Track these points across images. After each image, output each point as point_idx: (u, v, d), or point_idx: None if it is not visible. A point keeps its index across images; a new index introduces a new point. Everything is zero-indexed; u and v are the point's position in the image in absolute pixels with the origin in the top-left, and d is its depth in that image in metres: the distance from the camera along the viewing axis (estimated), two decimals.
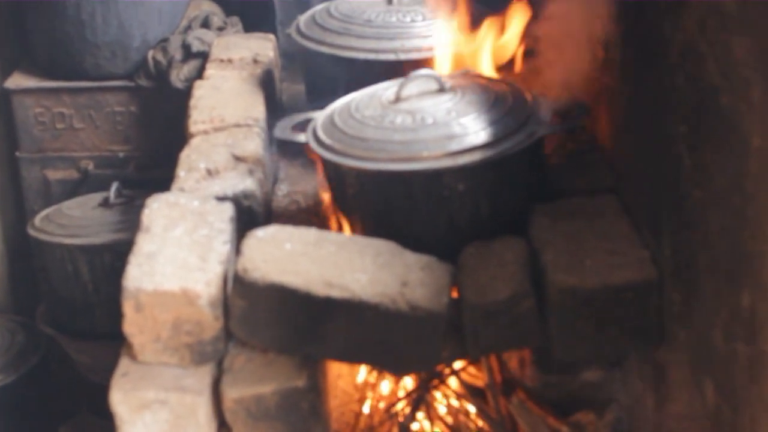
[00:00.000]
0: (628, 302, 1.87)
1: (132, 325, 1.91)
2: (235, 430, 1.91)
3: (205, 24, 3.16)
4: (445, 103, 2.11)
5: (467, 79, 2.22)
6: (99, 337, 2.79)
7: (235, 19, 3.25)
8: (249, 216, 2.18)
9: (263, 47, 2.92)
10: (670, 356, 1.86)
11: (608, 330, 1.88)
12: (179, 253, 1.96)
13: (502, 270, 1.92)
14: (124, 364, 1.95)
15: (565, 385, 2.10)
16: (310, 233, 2.00)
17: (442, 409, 2.27)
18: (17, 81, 3.16)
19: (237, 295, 1.91)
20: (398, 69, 2.38)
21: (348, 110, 2.17)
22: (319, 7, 2.72)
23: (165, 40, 3.09)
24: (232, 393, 1.89)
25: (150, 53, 3.08)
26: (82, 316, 2.82)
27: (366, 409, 2.31)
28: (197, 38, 3.05)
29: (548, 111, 2.11)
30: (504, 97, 2.14)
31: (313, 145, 2.12)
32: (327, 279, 1.87)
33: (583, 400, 2.09)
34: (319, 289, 1.86)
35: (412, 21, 2.55)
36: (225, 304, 1.93)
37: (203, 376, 1.92)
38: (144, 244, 2.00)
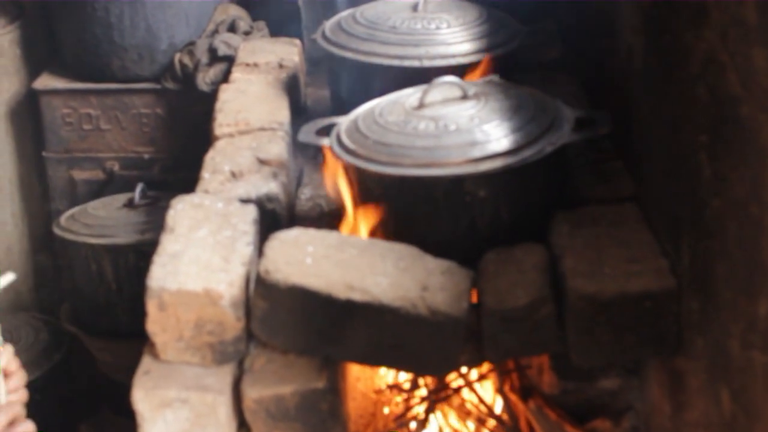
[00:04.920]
0: (646, 310, 1.88)
1: (155, 323, 1.93)
2: (254, 430, 1.94)
3: (232, 28, 3.18)
4: (468, 110, 2.13)
5: (491, 87, 2.24)
6: (121, 336, 2.82)
7: (261, 23, 3.27)
8: (272, 218, 2.20)
9: (289, 52, 2.95)
10: (688, 364, 1.87)
11: (626, 337, 1.90)
12: (203, 254, 1.99)
13: (522, 276, 1.93)
14: (146, 362, 1.97)
15: (583, 391, 2.11)
16: (332, 236, 2.02)
17: (455, 417, 2.29)
18: (45, 82, 3.19)
19: (259, 296, 1.93)
20: (422, 76, 2.39)
21: (372, 116, 2.19)
22: (344, 13, 2.73)
23: (192, 43, 3.11)
24: (252, 393, 1.91)
25: (177, 56, 3.11)
26: (105, 315, 2.84)
27: (381, 412, 2.32)
28: (224, 42, 3.08)
29: (570, 119, 2.13)
30: (527, 105, 2.15)
31: (337, 149, 2.14)
32: (348, 282, 1.89)
33: (601, 407, 2.10)
34: (340, 292, 1.88)
35: (437, 28, 2.56)
36: (247, 305, 1.95)
37: (224, 376, 1.94)
38: (168, 245, 2.02)
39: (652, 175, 2.07)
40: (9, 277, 1.82)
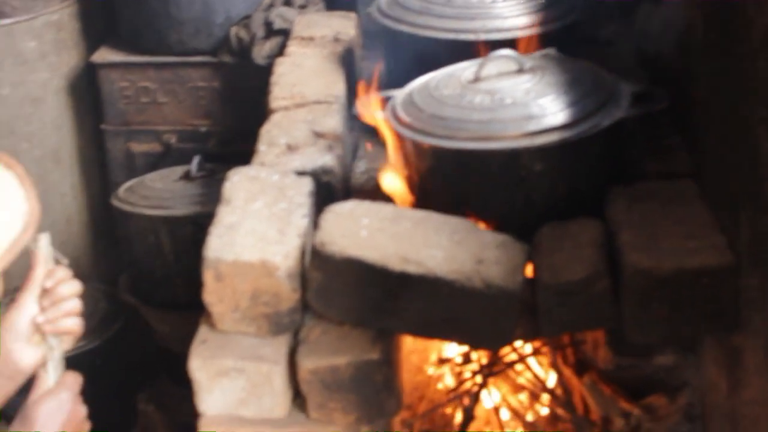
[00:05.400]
0: (703, 286, 1.87)
1: (212, 294, 1.96)
2: (309, 400, 1.96)
3: (288, 2, 3.19)
4: (524, 83, 2.12)
5: (547, 61, 2.23)
6: (178, 306, 2.83)
7: None
8: (327, 191, 2.21)
9: (344, 25, 2.95)
10: (745, 342, 1.86)
11: (683, 313, 1.89)
12: (259, 226, 2.01)
13: (578, 251, 1.93)
14: (203, 332, 2.00)
15: (638, 367, 2.11)
16: (387, 209, 2.03)
17: (507, 392, 2.29)
18: (104, 55, 3.22)
19: (314, 268, 1.94)
20: (478, 49, 2.39)
21: (427, 89, 2.19)
22: None
23: (248, 17, 3.12)
24: (307, 363, 1.93)
25: (233, 30, 3.12)
26: (162, 285, 2.86)
27: (435, 386, 2.34)
28: (279, 16, 3.09)
29: (628, 94, 2.11)
30: (583, 79, 2.14)
31: (393, 122, 2.15)
32: (403, 254, 1.90)
33: (656, 383, 2.10)
34: (395, 264, 1.88)
35: (493, 1, 2.55)
36: (302, 277, 1.97)
37: (280, 346, 1.96)
38: (225, 216, 2.04)
39: (710, 151, 2.05)
40: (45, 238, 1.84)
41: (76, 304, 1.75)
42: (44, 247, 1.73)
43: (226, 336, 1.98)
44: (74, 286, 1.75)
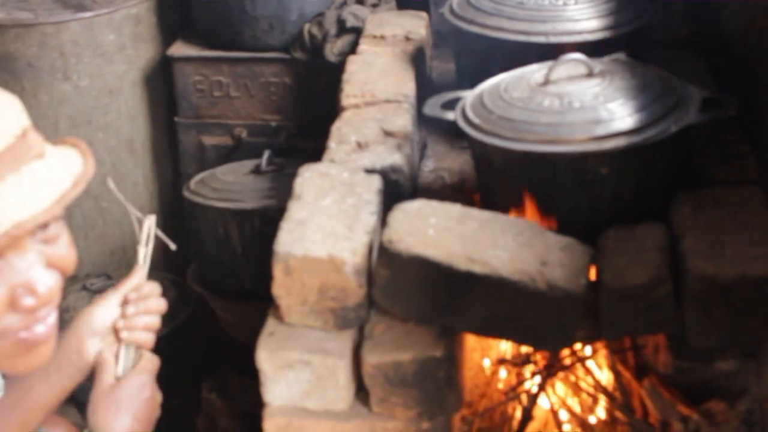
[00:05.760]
0: (766, 294, 1.87)
1: (280, 287, 2.00)
2: (372, 394, 2.00)
3: (360, 0, 3.23)
4: (593, 87, 2.14)
5: (617, 65, 2.25)
6: (244, 297, 2.88)
7: None
8: (395, 189, 2.25)
9: (415, 25, 2.99)
10: None
11: (745, 320, 1.90)
12: (328, 222, 2.05)
13: (642, 255, 1.95)
14: (270, 324, 2.05)
15: (698, 372, 2.11)
16: (454, 209, 2.06)
17: (566, 393, 2.31)
18: (179, 49, 3.29)
19: (381, 265, 1.98)
20: (548, 52, 2.40)
21: (497, 91, 2.22)
22: None
23: (321, 14, 3.17)
24: (371, 358, 1.97)
25: (306, 27, 3.16)
26: (229, 276, 2.90)
27: (495, 384, 2.36)
28: (352, 14, 3.13)
29: (697, 100, 2.12)
30: (652, 84, 2.16)
31: (462, 123, 2.18)
32: (469, 254, 1.93)
33: (716, 389, 2.10)
34: (461, 264, 1.92)
35: (564, 4, 2.56)
36: (369, 273, 2.01)
37: (345, 341, 2.00)
38: (295, 211, 2.09)
39: None
40: (151, 219, 1.91)
41: (156, 321, 1.81)
42: (149, 228, 1.80)
43: (293, 329, 2.02)
44: (160, 303, 1.84)
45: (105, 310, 1.80)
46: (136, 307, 1.80)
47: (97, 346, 1.80)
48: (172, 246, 1.89)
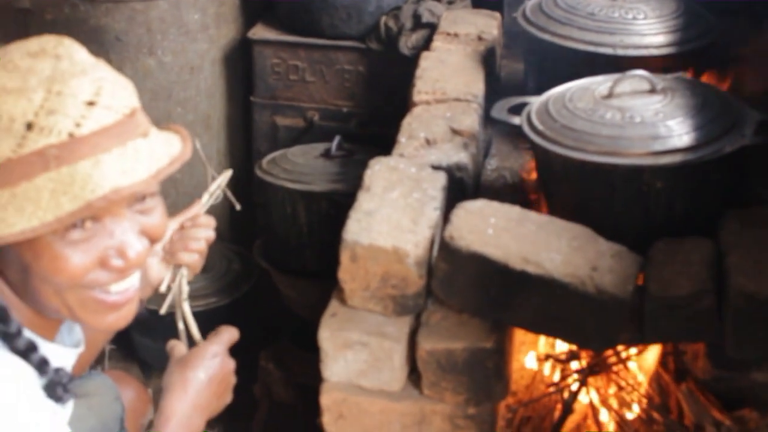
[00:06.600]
0: None
1: (346, 272, 2.12)
2: (424, 378, 2.12)
3: None
4: (654, 104, 2.23)
5: (679, 83, 2.34)
6: (306, 274, 2.99)
7: None
8: (459, 186, 2.36)
9: (488, 24, 3.08)
10: None
11: None
12: (394, 214, 2.17)
13: (688, 267, 2.04)
14: (333, 305, 2.17)
15: (735, 381, 2.20)
16: (513, 211, 2.17)
17: (606, 391, 2.41)
18: (259, 32, 3.41)
19: (441, 259, 2.10)
20: (615, 63, 2.49)
21: (562, 100, 2.32)
22: None
23: (398, 8, 3.26)
24: (426, 344, 2.09)
25: (382, 19, 3.26)
26: (294, 254, 3.01)
27: (541, 378, 2.47)
28: (428, 9, 3.22)
29: (753, 122, 2.21)
30: (711, 104, 2.24)
31: (526, 129, 2.28)
32: (524, 255, 2.04)
33: (750, 397, 2.19)
34: (516, 264, 2.03)
35: (634, 18, 2.65)
36: (429, 265, 2.13)
37: (402, 326, 2.12)
38: (364, 202, 2.21)
39: None
40: (226, 174, 2.05)
41: (203, 246, 1.92)
42: (222, 180, 1.94)
43: (354, 312, 2.14)
44: (208, 232, 1.93)
45: None
46: (183, 232, 1.91)
47: (157, 268, 1.93)
48: (238, 206, 2.01)
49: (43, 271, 1.49)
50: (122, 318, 1.61)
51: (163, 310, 1.94)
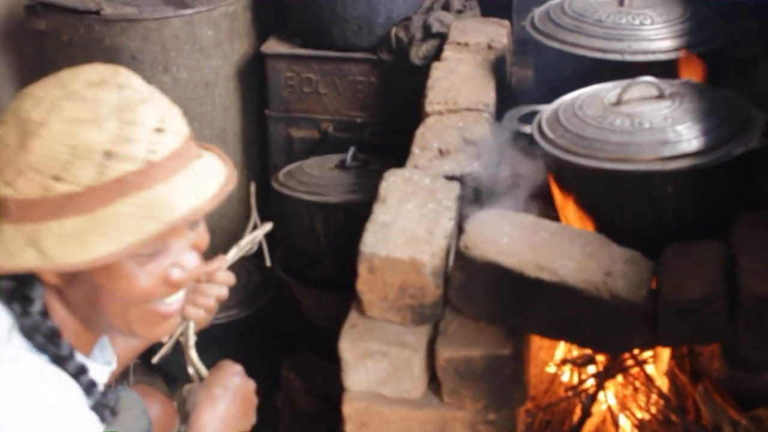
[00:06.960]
0: None
1: (364, 284, 2.16)
2: (443, 385, 2.15)
3: (446, 6, 3.35)
4: (662, 109, 2.27)
5: (686, 87, 2.37)
6: (325, 285, 3.02)
7: (473, 2, 3.44)
8: (473, 195, 2.38)
9: (498, 33, 3.12)
10: None
11: None
12: (410, 225, 2.21)
13: (700, 271, 2.07)
14: (353, 316, 2.21)
15: (750, 381, 2.23)
16: (527, 219, 2.21)
17: (624, 394, 2.44)
18: (272, 46, 3.45)
19: (457, 268, 2.14)
20: (624, 70, 2.52)
21: (572, 108, 2.35)
22: (554, 2, 2.85)
23: (408, 18, 3.30)
24: (445, 352, 2.12)
25: (393, 30, 3.30)
26: (312, 265, 3.05)
27: (558, 382, 2.50)
28: (437, 19, 3.25)
29: (761, 124, 2.24)
30: (719, 107, 2.27)
31: (538, 137, 2.32)
32: (538, 262, 2.07)
33: (765, 397, 2.21)
34: (531, 271, 2.06)
35: (641, 24, 2.67)
36: (445, 275, 2.16)
37: (421, 335, 2.16)
38: (380, 214, 2.25)
39: None
40: (266, 227, 2.10)
41: (209, 302, 1.95)
42: (258, 234, 1.97)
43: (373, 322, 2.18)
44: (222, 290, 1.96)
45: None
46: (201, 286, 1.95)
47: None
48: (269, 262, 2.04)
49: (117, 290, 1.56)
50: (168, 328, 1.68)
51: (155, 360, 1.99)
